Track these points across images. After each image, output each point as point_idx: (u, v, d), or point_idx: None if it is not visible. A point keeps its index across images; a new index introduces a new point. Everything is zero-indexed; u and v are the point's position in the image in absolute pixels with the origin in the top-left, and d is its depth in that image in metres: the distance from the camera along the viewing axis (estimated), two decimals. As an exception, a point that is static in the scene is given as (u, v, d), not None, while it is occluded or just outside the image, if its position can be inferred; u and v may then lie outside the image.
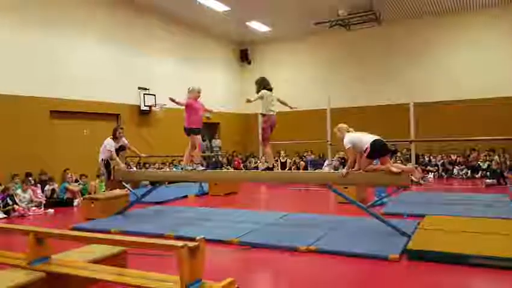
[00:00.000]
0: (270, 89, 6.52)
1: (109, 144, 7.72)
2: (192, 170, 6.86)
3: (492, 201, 7.58)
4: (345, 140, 5.50)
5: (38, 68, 9.76)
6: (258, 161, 6.60)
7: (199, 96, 6.98)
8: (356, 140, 5.44)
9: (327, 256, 4.61)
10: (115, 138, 7.82)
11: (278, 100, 6.62)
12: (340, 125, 5.80)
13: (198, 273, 2.77)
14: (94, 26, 11.21)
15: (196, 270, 2.76)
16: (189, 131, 6.88)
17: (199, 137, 6.97)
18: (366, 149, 5.29)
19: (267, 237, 5.39)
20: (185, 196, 10.02)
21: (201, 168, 6.94)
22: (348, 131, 5.66)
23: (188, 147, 7.02)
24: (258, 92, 6.48)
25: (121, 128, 8.06)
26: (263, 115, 6.44)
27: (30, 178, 8.99)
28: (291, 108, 6.97)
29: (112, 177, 7.71)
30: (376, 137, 5.41)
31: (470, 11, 13.72)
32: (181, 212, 7.57)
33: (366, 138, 5.41)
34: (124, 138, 8.01)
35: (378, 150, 5.32)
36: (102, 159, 7.71)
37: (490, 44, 13.49)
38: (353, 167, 5.49)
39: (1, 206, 7.95)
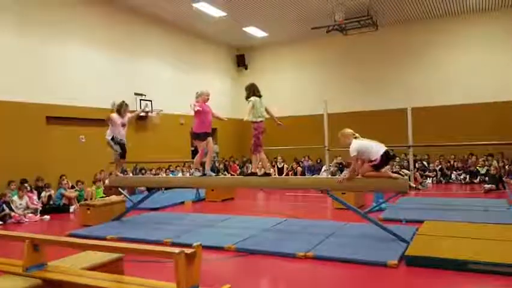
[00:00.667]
0: (260, 96, 6.39)
1: (117, 121, 7.43)
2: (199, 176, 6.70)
3: (491, 207, 7.57)
4: (352, 148, 5.27)
5: (35, 74, 9.74)
6: (254, 168, 6.56)
7: (208, 100, 6.83)
8: (365, 149, 5.26)
9: (325, 262, 4.59)
10: (119, 114, 7.50)
11: (266, 110, 6.45)
12: (346, 131, 5.51)
13: (194, 279, 2.74)
14: (90, 32, 11.21)
15: (193, 277, 2.73)
16: (195, 136, 6.75)
17: (204, 142, 6.77)
18: (376, 159, 5.18)
19: (264, 243, 5.36)
20: (182, 202, 9.97)
21: (198, 173, 6.87)
22: (355, 137, 5.42)
23: (208, 154, 6.83)
24: (247, 97, 6.37)
25: (126, 105, 7.72)
26: (252, 122, 6.28)
27: (26, 184, 8.95)
28: (277, 123, 6.68)
29: (118, 156, 7.49)
30: (384, 147, 5.27)
31: (468, 15, 13.81)
32: (178, 219, 7.53)
33: (376, 148, 5.24)
34: (128, 114, 7.70)
35: (385, 162, 5.28)
36: (109, 139, 7.44)
37: (488, 48, 13.57)
38: (355, 174, 5.38)
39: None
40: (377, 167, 5.23)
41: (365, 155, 5.27)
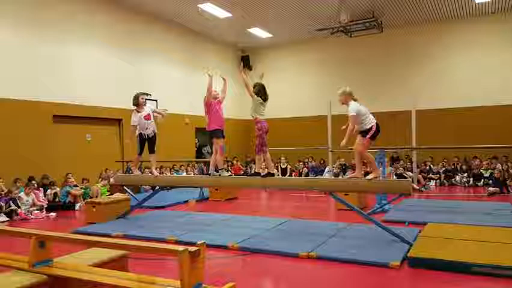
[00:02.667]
0: (265, 99, 6.26)
1: (132, 119, 7.18)
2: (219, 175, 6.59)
3: (494, 210, 7.57)
4: (352, 108, 5.25)
5: (41, 73, 9.83)
6: (258, 168, 6.47)
7: (217, 97, 6.72)
8: (364, 112, 5.30)
9: (328, 263, 4.61)
10: (138, 106, 7.19)
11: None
12: (348, 89, 5.46)
13: (198, 277, 2.78)
14: (96, 32, 11.29)
15: (197, 275, 2.77)
16: (212, 134, 6.63)
17: (221, 140, 6.62)
18: (371, 128, 5.23)
19: (267, 243, 5.40)
20: (186, 201, 10.04)
21: (226, 173, 6.66)
22: (355, 100, 5.42)
23: (215, 153, 6.69)
24: (256, 94, 6.32)
25: (144, 94, 7.45)
26: (256, 122, 6.19)
27: (33, 181, 9.05)
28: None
29: (141, 153, 7.42)
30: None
31: (474, 17, 13.76)
32: (182, 217, 7.58)
33: (371, 116, 5.33)
34: (149, 105, 7.38)
35: (378, 133, 5.34)
36: (137, 136, 7.31)
37: (493, 50, 13.52)
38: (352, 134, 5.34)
39: (3, 208, 7.98)
40: (373, 137, 5.28)
41: (362, 119, 5.29)
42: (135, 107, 7.29)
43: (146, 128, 7.23)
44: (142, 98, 7.31)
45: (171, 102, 13.01)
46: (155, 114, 7.50)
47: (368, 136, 5.28)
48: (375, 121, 5.33)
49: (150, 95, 11.83)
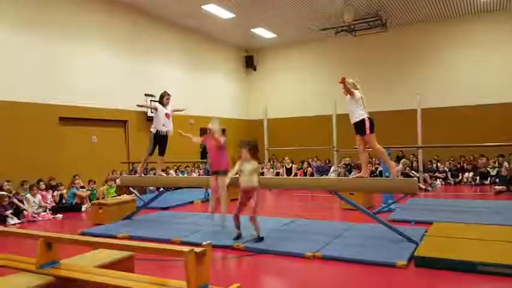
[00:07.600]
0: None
1: (155, 105, 7.52)
2: None
3: (501, 208, 7.52)
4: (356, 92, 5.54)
5: (47, 75, 9.89)
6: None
7: (212, 132, 6.40)
8: (358, 97, 5.51)
9: (334, 263, 4.60)
10: (162, 104, 7.47)
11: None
12: (352, 80, 5.66)
13: (204, 278, 2.78)
14: (101, 34, 11.35)
15: (203, 275, 2.77)
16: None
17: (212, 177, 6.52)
18: (364, 121, 5.44)
19: (272, 243, 5.39)
20: (191, 202, 10.06)
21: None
22: (357, 89, 5.63)
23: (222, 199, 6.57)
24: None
25: (168, 94, 7.53)
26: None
27: (42, 182, 9.10)
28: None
29: (152, 153, 7.45)
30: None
31: (479, 14, 13.69)
32: (188, 218, 7.59)
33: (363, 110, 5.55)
34: (171, 105, 7.59)
35: (373, 125, 5.53)
36: (152, 134, 7.38)
37: (500, 48, 13.45)
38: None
39: (11, 210, 8.03)
40: (372, 129, 5.51)
41: (357, 101, 5.51)
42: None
43: (163, 125, 7.38)
44: (167, 99, 7.53)
45: (175, 102, 12.97)
46: (175, 113, 7.73)
47: (367, 132, 5.45)
48: (366, 115, 5.51)
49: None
